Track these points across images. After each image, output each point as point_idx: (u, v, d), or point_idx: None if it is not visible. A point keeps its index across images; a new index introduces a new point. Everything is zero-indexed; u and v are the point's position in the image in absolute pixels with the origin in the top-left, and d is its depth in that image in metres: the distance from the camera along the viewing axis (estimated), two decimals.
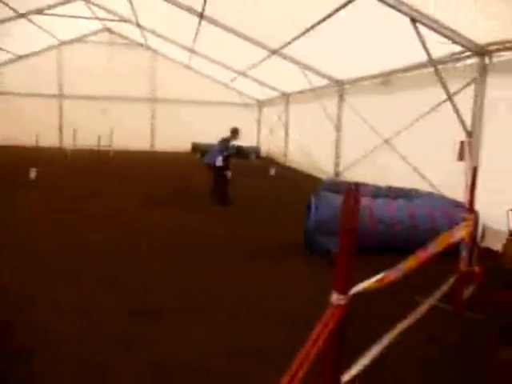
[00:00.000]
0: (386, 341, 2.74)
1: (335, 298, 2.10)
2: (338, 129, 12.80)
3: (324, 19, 8.87)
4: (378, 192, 7.18)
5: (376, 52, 9.35)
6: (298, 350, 1.81)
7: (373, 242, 5.39)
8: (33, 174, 10.57)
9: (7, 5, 14.23)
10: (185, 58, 19.60)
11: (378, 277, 2.32)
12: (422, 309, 3.40)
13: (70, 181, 11.16)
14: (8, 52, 19.60)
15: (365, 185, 7.21)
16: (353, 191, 2.04)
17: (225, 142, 9.47)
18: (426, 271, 3.28)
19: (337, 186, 7.01)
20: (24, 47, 19.92)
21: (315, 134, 14.81)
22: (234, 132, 9.63)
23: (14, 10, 14.93)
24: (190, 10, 11.83)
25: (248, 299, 4.21)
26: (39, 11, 15.81)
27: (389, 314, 3.26)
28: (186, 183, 11.68)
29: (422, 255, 2.77)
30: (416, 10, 6.59)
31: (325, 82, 12.90)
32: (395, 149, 9.63)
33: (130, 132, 21.20)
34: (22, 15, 15.60)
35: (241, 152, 20.91)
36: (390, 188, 7.39)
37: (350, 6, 7.69)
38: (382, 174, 9.60)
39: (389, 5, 6.65)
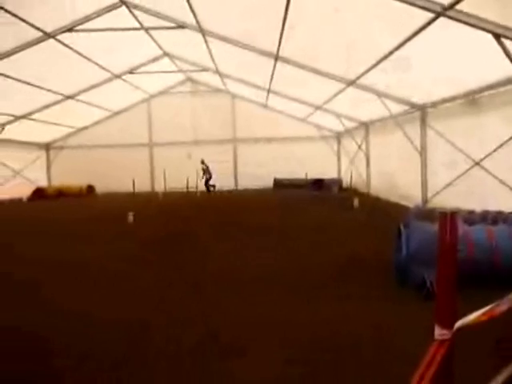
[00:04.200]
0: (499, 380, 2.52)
1: (438, 332, 2.01)
2: (423, 154, 12.32)
3: (399, 47, 8.82)
4: (474, 217, 6.72)
5: (457, 72, 9.00)
6: None
7: (472, 272, 5.03)
8: (130, 218, 11.45)
9: (105, 68, 16.05)
10: (262, 98, 20.37)
11: (486, 309, 2.17)
12: None
13: (163, 223, 11.89)
14: (105, 109, 21.90)
15: (458, 211, 6.81)
16: (449, 218, 1.98)
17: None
18: None
19: (426, 213, 6.70)
20: (118, 103, 22.17)
21: (398, 162, 14.38)
22: (203, 163, 21.69)
23: (111, 72, 16.78)
24: (265, 53, 12.42)
25: (337, 332, 4.09)
26: (131, 71, 17.60)
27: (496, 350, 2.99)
28: (264, 217, 11.91)
29: None
30: (498, 25, 6.30)
31: (405, 107, 12.61)
32: (489, 171, 9.02)
33: (214, 172, 22.28)
34: (118, 76, 17.47)
35: (322, 185, 20.91)
36: (486, 213, 6.89)
37: (426, 29, 7.59)
38: (476, 198, 9.00)
39: (469, 24, 6.45)
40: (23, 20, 10.56)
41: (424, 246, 5.03)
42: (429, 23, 7.33)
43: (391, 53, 9.29)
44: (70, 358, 3.63)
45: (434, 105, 11.44)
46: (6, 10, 9.82)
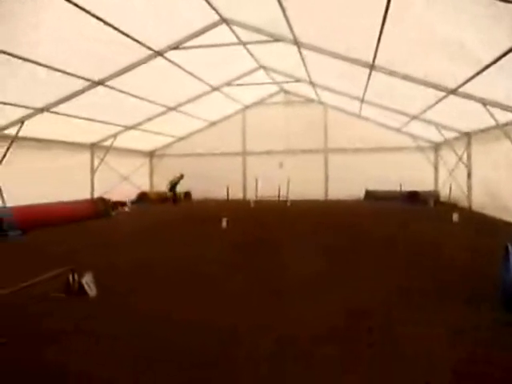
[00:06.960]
0: None
1: None
2: None
3: (508, 51, 8.21)
4: None
5: None
6: None
7: None
8: (224, 223, 12.04)
9: (204, 82, 17.05)
10: (355, 108, 20.08)
11: None
12: None
13: (253, 228, 12.29)
14: (203, 120, 23.19)
15: None
16: None
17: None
18: None
19: None
20: (215, 114, 23.35)
21: (505, 175, 13.25)
22: (181, 177, 22.23)
23: (210, 85, 17.77)
24: (360, 62, 12.29)
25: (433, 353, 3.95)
26: (228, 83, 18.47)
27: None
28: (355, 227, 11.75)
29: None
30: None
31: None
32: None
33: (304, 182, 22.43)
34: (216, 89, 18.44)
35: (417, 198, 19.95)
36: None
37: None
38: None
39: None
40: (137, 41, 11.68)
41: None
42: None
43: (499, 58, 8.68)
44: (170, 361, 3.89)
45: None
46: (123, 33, 10.94)
